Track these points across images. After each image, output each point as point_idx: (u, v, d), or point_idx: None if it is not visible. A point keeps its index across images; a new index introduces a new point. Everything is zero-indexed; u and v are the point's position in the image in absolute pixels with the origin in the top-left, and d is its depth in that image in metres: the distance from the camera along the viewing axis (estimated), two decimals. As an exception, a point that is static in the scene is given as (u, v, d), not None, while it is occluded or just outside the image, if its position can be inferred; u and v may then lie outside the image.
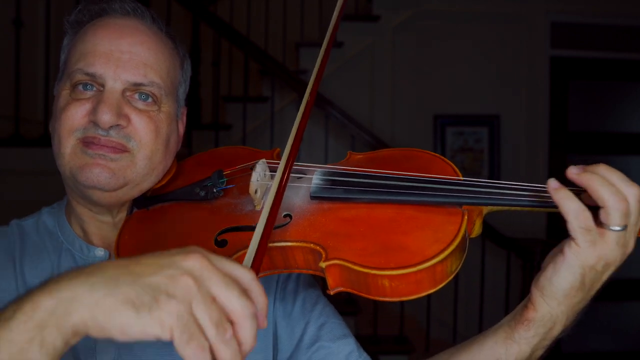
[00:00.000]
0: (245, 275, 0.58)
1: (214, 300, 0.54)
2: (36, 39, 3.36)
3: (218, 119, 3.76)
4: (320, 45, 0.93)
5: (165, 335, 0.51)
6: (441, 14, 4.28)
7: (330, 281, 0.75)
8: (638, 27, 4.48)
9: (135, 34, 0.92)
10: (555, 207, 0.70)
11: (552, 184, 0.71)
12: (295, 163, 0.90)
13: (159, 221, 0.91)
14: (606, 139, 4.57)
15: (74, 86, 0.90)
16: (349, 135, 3.80)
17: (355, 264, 0.72)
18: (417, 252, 0.72)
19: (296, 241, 0.79)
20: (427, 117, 4.31)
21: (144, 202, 0.95)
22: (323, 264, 0.74)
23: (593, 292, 0.74)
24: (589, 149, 4.55)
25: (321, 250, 0.76)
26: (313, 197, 0.85)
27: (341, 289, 0.76)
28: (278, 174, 0.77)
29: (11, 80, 3.03)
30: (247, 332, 0.54)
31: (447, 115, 4.32)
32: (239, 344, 0.54)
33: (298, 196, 0.87)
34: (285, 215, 0.84)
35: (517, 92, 4.34)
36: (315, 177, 0.88)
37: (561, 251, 0.71)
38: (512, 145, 4.34)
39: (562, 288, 0.71)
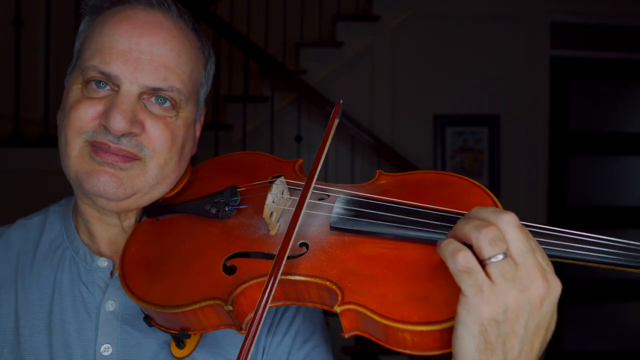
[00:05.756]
0: None
1: None
2: (36, 39, 3.36)
3: (218, 119, 3.76)
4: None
5: None
6: (441, 14, 4.28)
7: (345, 324, 0.69)
8: (638, 27, 4.48)
9: (158, 32, 0.84)
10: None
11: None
12: (317, 184, 0.84)
13: (167, 235, 0.86)
14: (607, 139, 4.56)
15: (87, 82, 0.83)
16: (349, 135, 3.80)
17: (374, 312, 0.65)
18: (445, 306, 0.63)
19: (311, 276, 0.71)
20: (427, 117, 4.31)
21: (153, 210, 0.90)
22: (338, 308, 0.68)
23: (515, 353, 0.59)
24: (590, 149, 4.54)
25: (337, 290, 0.69)
26: (333, 228, 0.77)
27: (357, 332, 0.69)
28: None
29: (11, 80, 3.03)
30: None
31: (447, 115, 4.32)
32: None
33: (316, 224, 0.79)
34: (302, 245, 0.76)
35: (517, 92, 4.34)
36: (337, 205, 0.79)
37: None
38: (512, 145, 4.34)
39: (467, 353, 0.59)
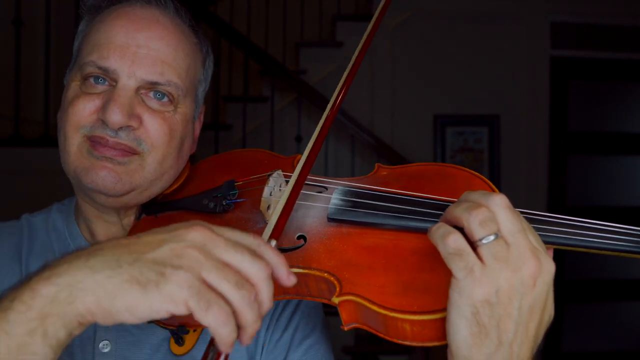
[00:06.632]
0: (251, 240, 0.56)
1: (225, 265, 0.53)
2: (36, 39, 3.36)
3: (218, 118, 3.76)
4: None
5: (179, 309, 0.50)
6: (441, 14, 4.28)
7: (344, 316, 0.68)
8: (638, 27, 4.48)
9: (155, 27, 0.86)
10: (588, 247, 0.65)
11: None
12: (315, 177, 0.85)
13: None
14: (607, 139, 4.56)
15: (85, 78, 0.84)
16: (348, 135, 3.80)
17: (372, 302, 0.65)
18: (445, 295, 0.61)
19: (309, 268, 0.71)
20: (427, 117, 4.31)
21: (152, 207, 0.90)
22: (336, 299, 0.67)
23: (509, 335, 0.58)
24: (590, 149, 4.54)
25: (335, 282, 0.68)
26: (331, 219, 0.76)
27: (356, 325, 0.68)
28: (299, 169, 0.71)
29: (11, 80, 3.03)
30: (264, 294, 0.53)
31: (447, 115, 4.32)
32: (258, 306, 0.53)
33: (314, 216, 0.79)
34: (299, 237, 0.76)
35: (517, 92, 4.34)
36: (334, 197, 0.79)
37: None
38: (512, 145, 4.34)
39: (461, 338, 0.58)
